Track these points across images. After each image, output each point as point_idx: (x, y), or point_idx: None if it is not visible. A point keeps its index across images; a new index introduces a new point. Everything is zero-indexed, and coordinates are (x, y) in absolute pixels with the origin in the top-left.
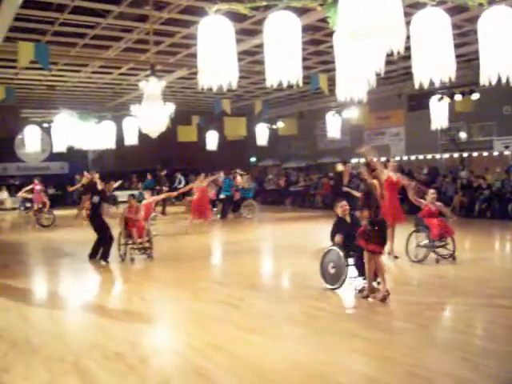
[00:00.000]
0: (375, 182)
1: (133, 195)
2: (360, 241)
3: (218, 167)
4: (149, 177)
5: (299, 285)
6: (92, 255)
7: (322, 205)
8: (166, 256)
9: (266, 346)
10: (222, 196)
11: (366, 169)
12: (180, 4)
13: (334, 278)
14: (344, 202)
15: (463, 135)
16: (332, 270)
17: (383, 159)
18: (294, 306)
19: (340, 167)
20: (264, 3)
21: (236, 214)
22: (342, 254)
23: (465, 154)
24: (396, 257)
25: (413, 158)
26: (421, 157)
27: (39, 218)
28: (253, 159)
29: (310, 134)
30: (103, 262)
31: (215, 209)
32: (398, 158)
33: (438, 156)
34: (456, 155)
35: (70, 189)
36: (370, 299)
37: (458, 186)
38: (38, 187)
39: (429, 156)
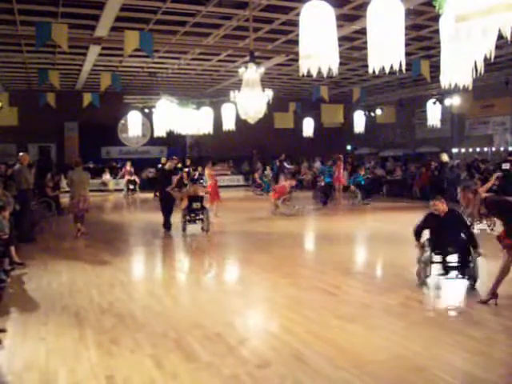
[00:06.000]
0: None
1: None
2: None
3: (314, 154)
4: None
5: (397, 275)
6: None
7: (420, 195)
8: (261, 241)
9: (363, 336)
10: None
11: None
12: None
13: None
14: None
15: None
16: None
17: (485, 149)
18: (391, 296)
19: (445, 157)
20: None
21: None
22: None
23: None
24: None
25: None
26: None
27: None
28: (349, 147)
29: (408, 123)
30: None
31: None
32: (502, 149)
33: None
34: None
35: None
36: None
37: None
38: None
39: None
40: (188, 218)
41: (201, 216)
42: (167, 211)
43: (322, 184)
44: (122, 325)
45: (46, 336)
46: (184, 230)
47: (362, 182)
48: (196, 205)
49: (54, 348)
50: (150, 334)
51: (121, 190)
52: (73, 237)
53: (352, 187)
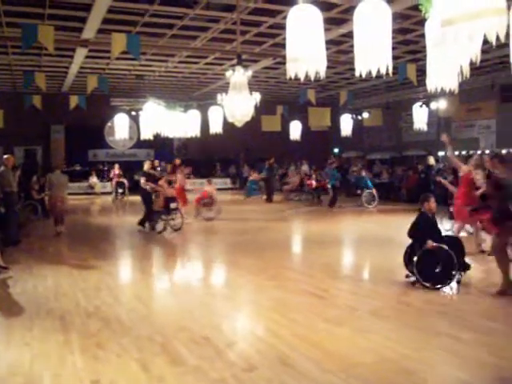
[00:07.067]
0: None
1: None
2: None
3: (301, 157)
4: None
5: (384, 278)
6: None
7: (407, 198)
8: (248, 244)
9: (350, 339)
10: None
11: (497, 160)
12: None
13: (441, 278)
14: (433, 198)
15: None
16: (438, 269)
17: (471, 152)
18: (379, 299)
19: (431, 160)
20: None
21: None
22: (452, 253)
23: None
24: (483, 251)
25: (504, 151)
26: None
27: None
28: (336, 150)
29: (394, 126)
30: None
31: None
32: (487, 152)
33: None
34: None
35: None
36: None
37: None
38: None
39: None
40: (164, 217)
41: (174, 216)
42: (147, 209)
43: (329, 186)
44: (108, 329)
45: (30, 341)
46: (155, 228)
47: (370, 184)
48: (173, 205)
49: (38, 353)
50: (136, 338)
51: (108, 193)
52: (57, 239)
53: (373, 191)
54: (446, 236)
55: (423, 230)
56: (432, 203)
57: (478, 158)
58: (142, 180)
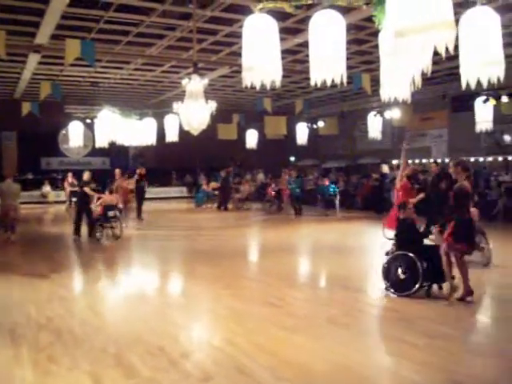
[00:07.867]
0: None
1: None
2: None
3: (258, 166)
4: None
5: (340, 285)
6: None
7: (362, 206)
8: (204, 252)
9: (308, 347)
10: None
11: (460, 167)
12: (223, 2)
13: (405, 285)
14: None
15: (508, 138)
16: (402, 276)
17: (424, 161)
18: (335, 306)
19: (385, 168)
20: (309, 1)
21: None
22: (417, 260)
23: (510, 158)
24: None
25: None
26: (463, 159)
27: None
28: (292, 158)
29: (350, 134)
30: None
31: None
32: (439, 160)
33: (481, 159)
34: (500, 158)
35: None
36: (468, 299)
37: (502, 190)
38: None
39: (472, 159)
40: (103, 225)
41: (113, 224)
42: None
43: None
44: (60, 341)
45: None
46: (94, 236)
47: (334, 192)
48: (111, 213)
49: None
50: (89, 350)
51: (62, 202)
52: (5, 247)
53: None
54: (426, 245)
55: (405, 236)
56: (410, 209)
57: (412, 168)
58: (88, 189)
